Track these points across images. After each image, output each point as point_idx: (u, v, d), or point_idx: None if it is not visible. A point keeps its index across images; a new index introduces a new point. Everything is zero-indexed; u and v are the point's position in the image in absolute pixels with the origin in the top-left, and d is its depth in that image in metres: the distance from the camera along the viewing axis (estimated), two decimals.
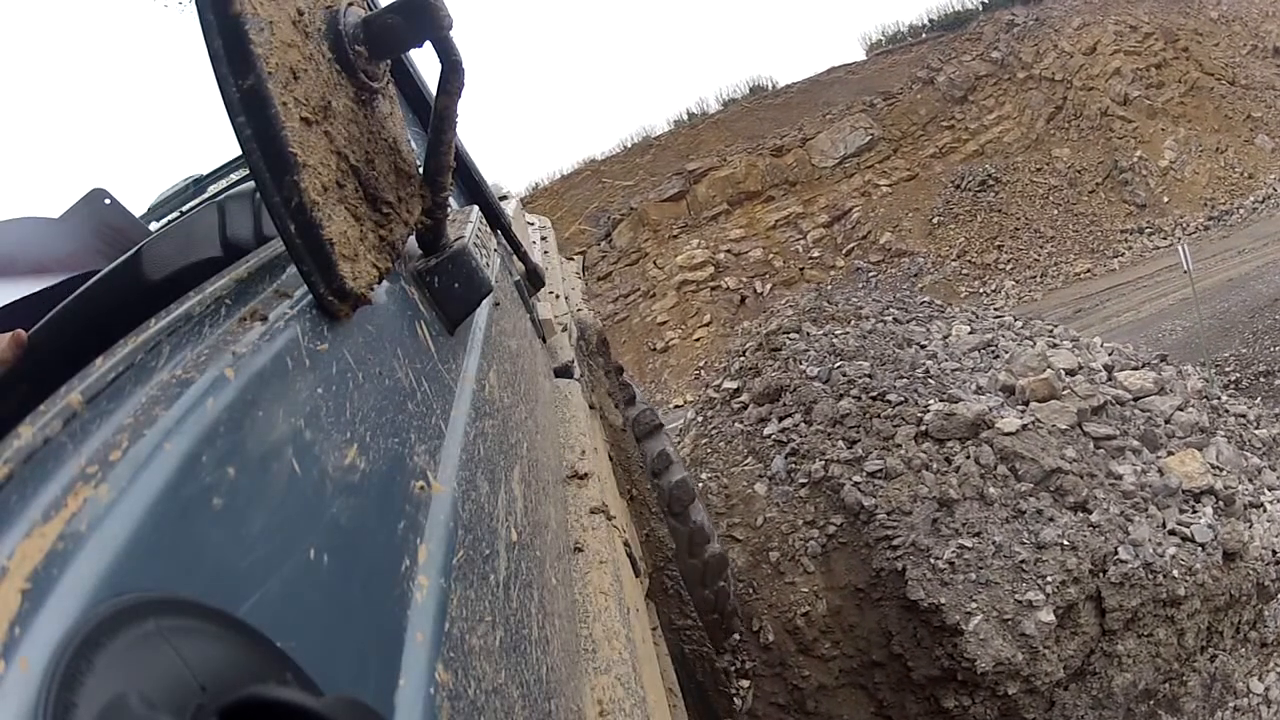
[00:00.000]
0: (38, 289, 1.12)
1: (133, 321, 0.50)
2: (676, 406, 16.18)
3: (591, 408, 2.24)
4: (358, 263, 0.63)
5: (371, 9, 0.77)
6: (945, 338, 6.91)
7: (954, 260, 18.49)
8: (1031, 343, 6.65)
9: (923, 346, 6.58)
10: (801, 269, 19.01)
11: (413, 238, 0.88)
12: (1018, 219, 19.00)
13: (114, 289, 0.86)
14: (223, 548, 0.39)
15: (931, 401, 5.46)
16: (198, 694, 0.31)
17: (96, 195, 1.49)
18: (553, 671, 0.81)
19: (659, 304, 19.04)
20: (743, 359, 6.78)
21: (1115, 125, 20.36)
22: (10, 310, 1.05)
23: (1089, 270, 17.69)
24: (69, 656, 0.27)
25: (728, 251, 19.32)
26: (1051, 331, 7.21)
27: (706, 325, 18.39)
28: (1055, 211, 19.16)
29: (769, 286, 18.63)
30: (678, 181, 20.09)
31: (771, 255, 19.26)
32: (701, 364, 17.60)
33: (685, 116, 21.54)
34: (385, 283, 0.71)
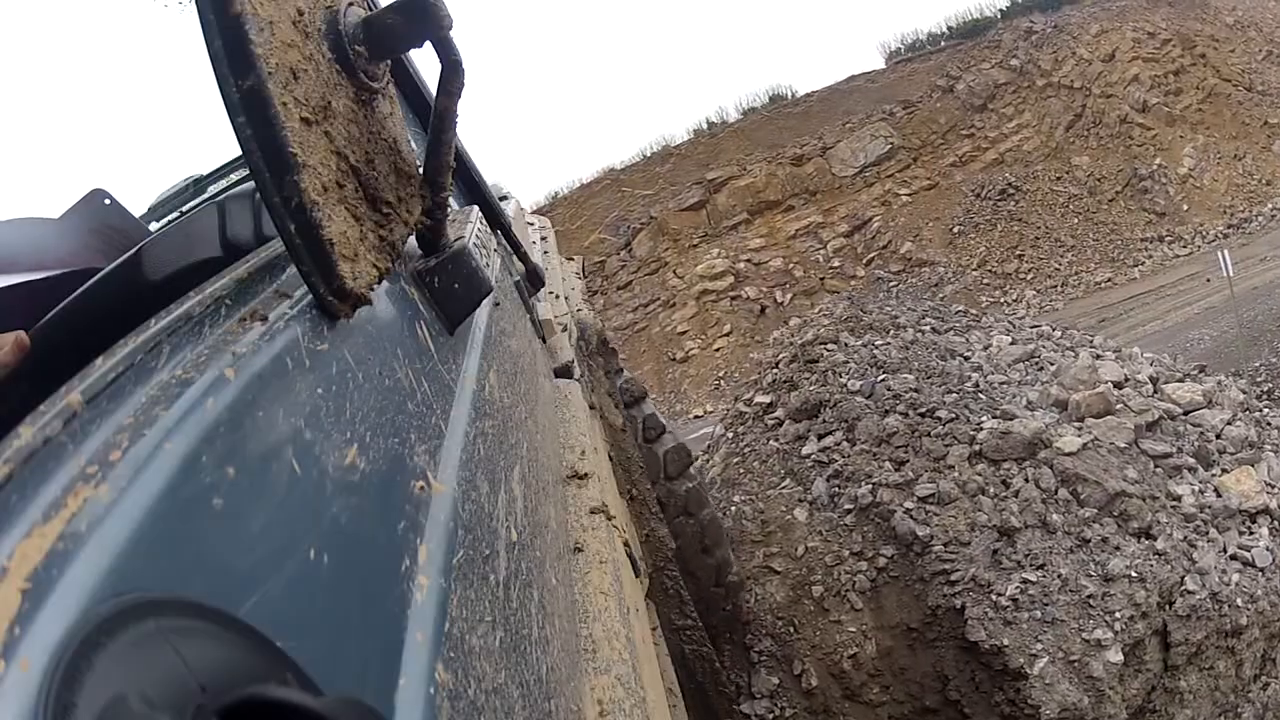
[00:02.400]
0: (31, 279, 1.11)
1: (133, 322, 0.50)
2: (697, 417, 16.10)
3: (591, 408, 2.24)
4: (358, 263, 0.63)
5: (372, 9, 0.77)
6: (986, 349, 6.55)
7: (975, 270, 18.46)
8: (1073, 354, 6.30)
9: (966, 358, 6.23)
10: (822, 279, 18.98)
11: (413, 238, 0.88)
12: (1038, 228, 18.96)
13: (114, 289, 0.86)
14: (223, 548, 0.39)
15: (984, 418, 5.10)
16: (198, 694, 0.31)
17: (96, 196, 1.49)
18: (553, 671, 0.81)
19: (679, 314, 19.03)
20: (776, 371, 6.39)
21: (1134, 133, 20.32)
22: (6, 306, 1.04)
23: (1110, 279, 17.65)
24: (69, 656, 0.27)
25: (748, 261, 19.28)
26: (1091, 342, 6.86)
27: (727, 335, 18.36)
28: (1075, 220, 19.11)
29: (789, 296, 18.61)
30: (697, 191, 20.06)
31: (792, 265, 19.24)
32: (721, 374, 17.56)
33: (705, 125, 21.45)
34: (385, 283, 0.71)
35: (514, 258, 1.95)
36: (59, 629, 0.28)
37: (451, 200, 0.97)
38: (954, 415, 5.20)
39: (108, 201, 1.48)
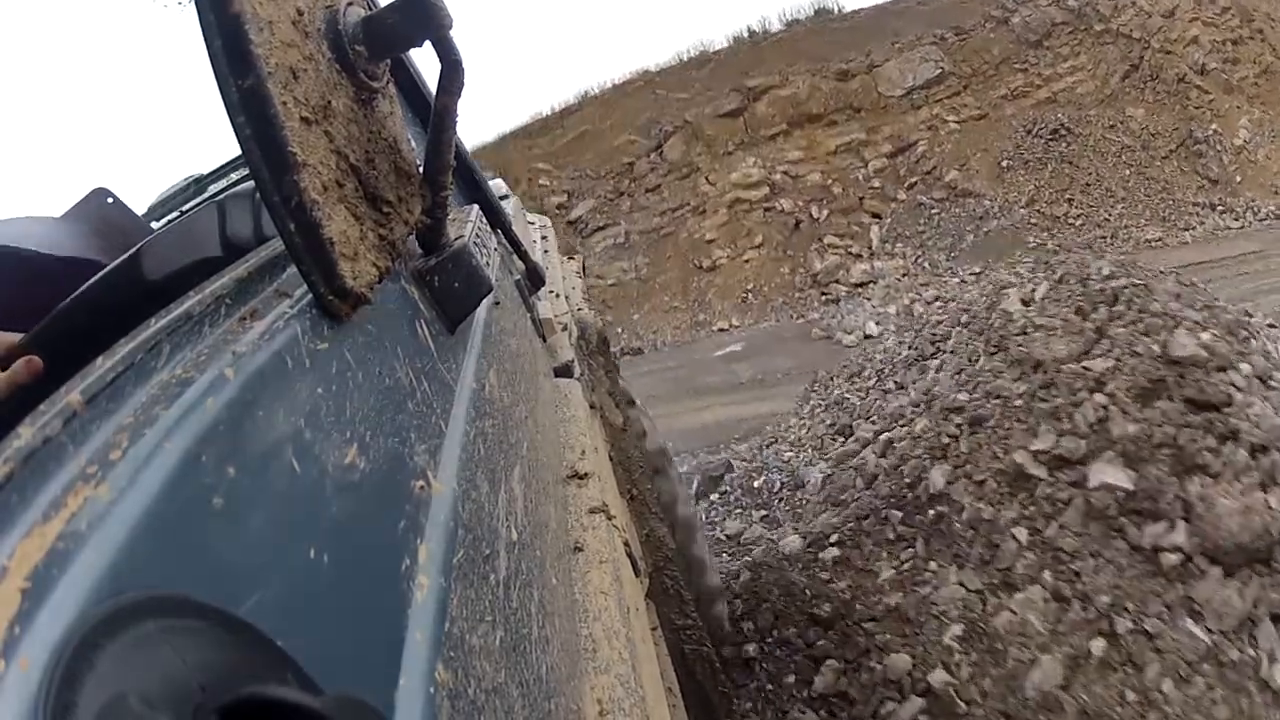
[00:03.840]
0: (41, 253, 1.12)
1: (133, 321, 0.50)
2: (721, 329, 15.56)
3: (592, 407, 2.24)
4: (358, 262, 0.64)
5: (371, 8, 0.77)
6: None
7: (1023, 208, 17.49)
8: None
9: None
10: (861, 198, 18.05)
11: (413, 237, 0.88)
12: (1089, 174, 18.09)
13: (114, 288, 0.86)
14: (223, 547, 0.39)
15: None
16: (197, 693, 0.31)
17: (98, 194, 1.49)
18: (552, 671, 0.81)
19: (709, 221, 18.13)
20: (1111, 407, 3.47)
21: (1192, 94, 19.48)
22: (8, 307, 1.05)
23: (1160, 239, 16.76)
24: (69, 656, 0.27)
25: (784, 173, 18.37)
26: None
27: (758, 247, 17.48)
28: (1127, 172, 18.29)
29: (826, 213, 17.76)
30: (735, 98, 19.07)
31: (830, 181, 18.29)
32: (750, 286, 16.84)
33: (746, 34, 20.39)
34: (385, 282, 0.71)
35: (514, 256, 1.95)
36: (59, 628, 0.28)
37: (451, 199, 0.97)
38: None
39: (110, 200, 1.49)
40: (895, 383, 5.54)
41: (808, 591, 3.68)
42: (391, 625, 0.51)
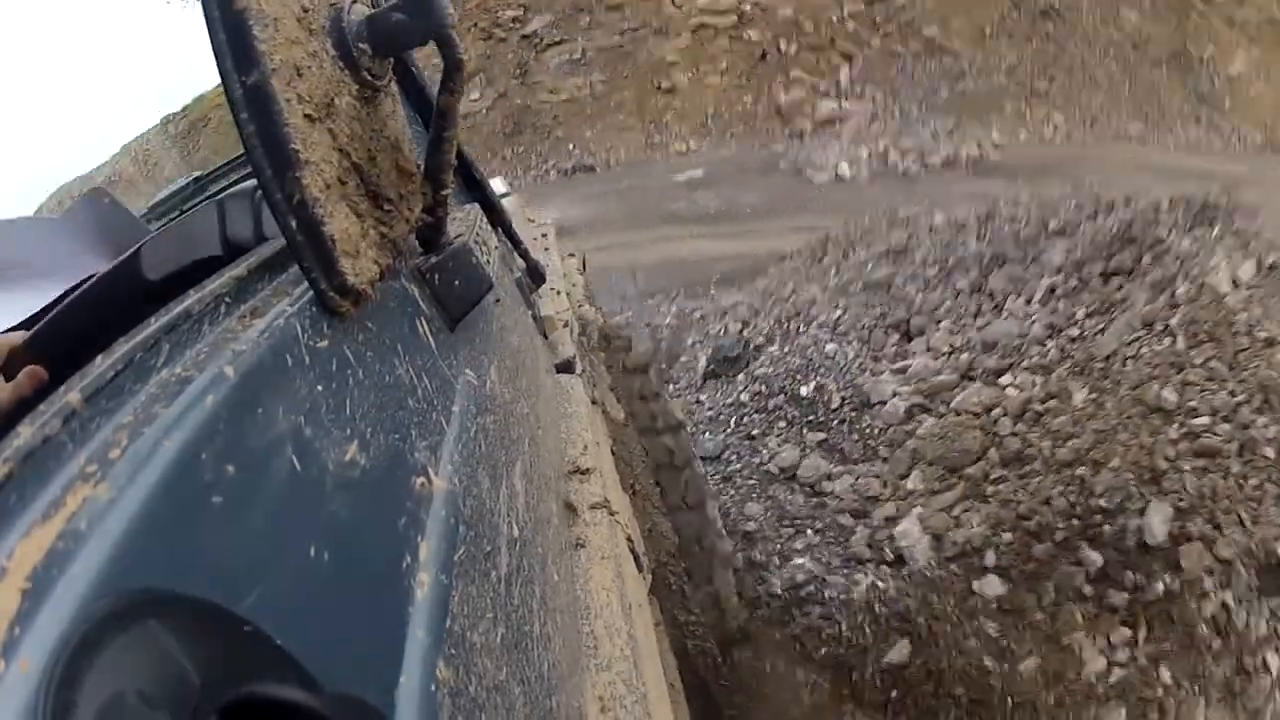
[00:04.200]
0: (40, 305, 1.12)
1: (132, 320, 0.50)
2: (679, 153, 15.19)
3: (594, 403, 2.24)
4: (359, 259, 0.63)
5: (375, 6, 0.77)
6: None
7: (1002, 76, 17.05)
8: None
9: None
10: (832, 39, 17.45)
11: (414, 235, 0.88)
12: (1074, 58, 17.68)
13: (113, 288, 0.86)
14: (223, 545, 0.39)
15: None
16: (197, 692, 0.31)
17: (97, 195, 1.49)
18: (554, 668, 0.81)
19: (671, 43, 17.55)
20: None
21: (1192, 15, 19.28)
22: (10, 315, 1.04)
23: (1141, 136, 16.56)
24: (68, 655, 0.27)
25: (754, 4, 17.74)
26: None
27: (721, 73, 17.20)
28: (1114, 67, 17.89)
29: (794, 49, 17.24)
30: None
31: (802, 17, 17.73)
32: (711, 111, 16.53)
33: None
34: (386, 280, 0.71)
35: (514, 254, 1.95)
36: (58, 628, 0.28)
37: (452, 198, 0.96)
38: None
39: (108, 201, 1.49)
40: (970, 284, 4.55)
41: (1009, 696, 2.74)
42: (392, 623, 0.51)
